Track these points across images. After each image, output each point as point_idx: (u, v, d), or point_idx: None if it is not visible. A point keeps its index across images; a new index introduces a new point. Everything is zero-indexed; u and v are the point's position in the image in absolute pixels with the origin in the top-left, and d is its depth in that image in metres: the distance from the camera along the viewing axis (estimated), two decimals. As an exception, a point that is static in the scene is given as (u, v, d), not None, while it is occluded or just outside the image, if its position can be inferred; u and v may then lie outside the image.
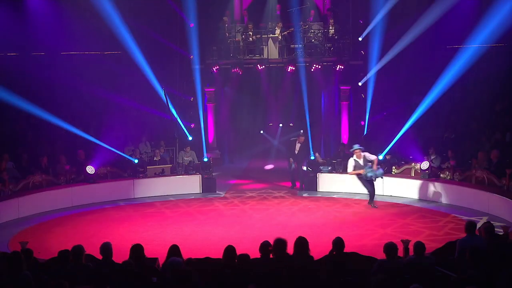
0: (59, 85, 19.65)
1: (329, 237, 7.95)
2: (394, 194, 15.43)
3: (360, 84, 19.16)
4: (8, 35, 19.46)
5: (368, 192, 14.42)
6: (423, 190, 15.11)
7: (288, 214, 13.94)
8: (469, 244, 7.46)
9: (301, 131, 17.24)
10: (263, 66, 19.30)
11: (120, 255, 8.01)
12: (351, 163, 14.34)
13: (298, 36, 18.83)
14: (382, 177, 14.40)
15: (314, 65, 18.94)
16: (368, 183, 14.28)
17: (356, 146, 14.44)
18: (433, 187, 14.95)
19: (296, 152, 16.61)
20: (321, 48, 19.20)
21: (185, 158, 16.82)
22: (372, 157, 14.21)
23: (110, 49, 20.37)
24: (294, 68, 18.98)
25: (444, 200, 14.67)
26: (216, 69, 19.50)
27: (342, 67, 19.11)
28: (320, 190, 16.26)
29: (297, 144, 16.68)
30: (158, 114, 19.15)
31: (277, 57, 19.32)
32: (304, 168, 16.75)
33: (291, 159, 16.80)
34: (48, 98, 18.81)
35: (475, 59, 16.57)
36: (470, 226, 8.14)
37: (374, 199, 14.42)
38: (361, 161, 14.19)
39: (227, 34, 19.55)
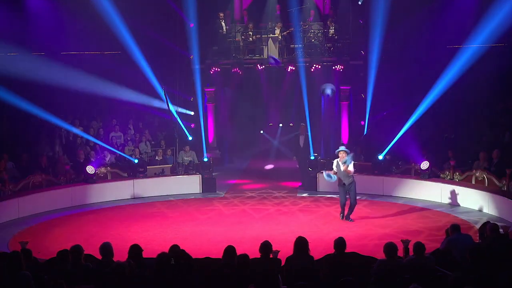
0: (59, 85, 19.62)
1: (329, 237, 7.97)
2: (394, 194, 15.44)
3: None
4: (8, 35, 19.44)
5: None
6: (423, 190, 15.11)
7: (288, 214, 13.94)
8: (456, 241, 8.16)
9: (302, 124, 17.25)
10: (263, 66, 19.29)
11: (120, 255, 8.00)
12: (334, 164, 12.90)
13: (298, 36, 18.81)
14: (329, 178, 12.99)
15: (314, 65, 18.92)
16: (342, 191, 12.85)
17: (341, 148, 13.12)
18: (433, 187, 14.95)
19: (302, 145, 16.59)
20: (321, 48, 19.19)
21: (185, 158, 16.82)
22: (349, 164, 12.60)
23: (110, 49, 20.35)
24: (294, 68, 18.97)
25: (444, 200, 14.66)
26: (214, 71, 19.47)
27: (342, 67, 19.10)
28: (320, 190, 16.26)
29: (300, 136, 16.67)
30: (158, 114, 19.15)
31: (277, 57, 19.30)
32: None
33: (295, 157, 16.78)
34: (48, 98, 18.80)
35: (475, 59, 16.56)
36: (455, 226, 8.58)
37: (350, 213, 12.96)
38: (341, 164, 12.67)
39: (224, 31, 19.52)
